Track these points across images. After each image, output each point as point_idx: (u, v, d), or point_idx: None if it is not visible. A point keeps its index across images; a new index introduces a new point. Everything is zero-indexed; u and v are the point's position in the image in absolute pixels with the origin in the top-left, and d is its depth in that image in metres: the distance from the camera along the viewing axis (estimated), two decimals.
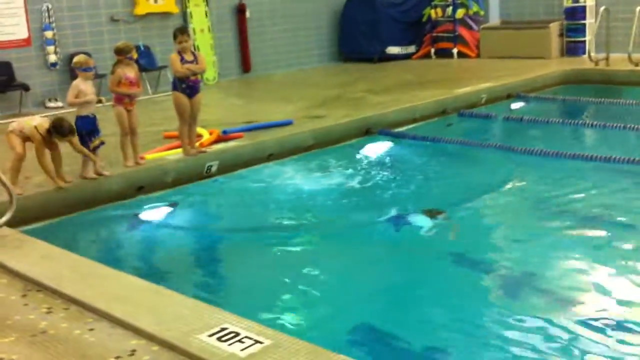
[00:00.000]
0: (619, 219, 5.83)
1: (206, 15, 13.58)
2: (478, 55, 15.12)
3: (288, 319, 4.44)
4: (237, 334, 3.45)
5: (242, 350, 3.31)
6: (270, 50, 14.78)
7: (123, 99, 6.93)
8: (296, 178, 7.50)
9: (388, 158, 8.29)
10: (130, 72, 6.94)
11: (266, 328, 3.57)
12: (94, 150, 6.65)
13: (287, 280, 5.05)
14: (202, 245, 5.92)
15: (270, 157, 8.02)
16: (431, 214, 6.04)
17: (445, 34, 15.45)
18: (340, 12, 15.86)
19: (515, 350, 3.88)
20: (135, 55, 7.00)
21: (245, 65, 14.35)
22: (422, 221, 6.02)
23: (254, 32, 14.37)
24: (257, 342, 3.37)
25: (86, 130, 6.56)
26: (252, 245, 5.80)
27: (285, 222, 6.27)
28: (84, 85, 6.55)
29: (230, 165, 7.64)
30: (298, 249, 5.65)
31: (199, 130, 8.07)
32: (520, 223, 5.97)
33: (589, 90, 11.66)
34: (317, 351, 3.34)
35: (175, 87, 7.28)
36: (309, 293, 4.85)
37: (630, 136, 8.74)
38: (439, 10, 15.49)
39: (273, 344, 3.36)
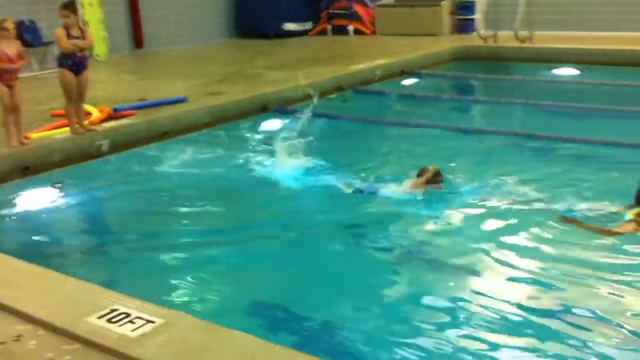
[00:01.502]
0: (507, 187, 6.02)
1: None
2: (373, 33, 15.32)
3: (183, 298, 4.38)
4: (128, 315, 3.38)
5: (133, 330, 3.23)
6: (164, 25, 14.42)
7: (3, 75, 6.59)
8: (191, 156, 7.37)
9: (285, 135, 8.26)
10: (9, 47, 6.59)
11: (159, 307, 3.50)
12: None
13: (181, 259, 4.97)
14: (92, 226, 5.73)
15: (164, 136, 7.85)
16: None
17: (342, 11, 15.55)
18: None
19: (412, 328, 3.93)
20: (10, 27, 6.60)
21: (137, 40, 13.94)
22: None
23: (146, 7, 13.95)
24: (148, 321, 3.30)
25: None
26: (145, 225, 5.65)
27: (180, 201, 6.15)
28: None
29: (122, 144, 7.43)
30: (192, 227, 5.55)
31: (89, 108, 7.80)
32: (417, 195, 6.05)
33: (478, 67, 12.06)
34: (211, 328, 3.32)
35: (61, 64, 7.04)
36: (204, 272, 4.79)
37: (517, 110, 9.11)
38: None
39: (165, 322, 3.31)
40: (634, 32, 12.71)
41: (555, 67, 11.23)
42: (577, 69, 11.09)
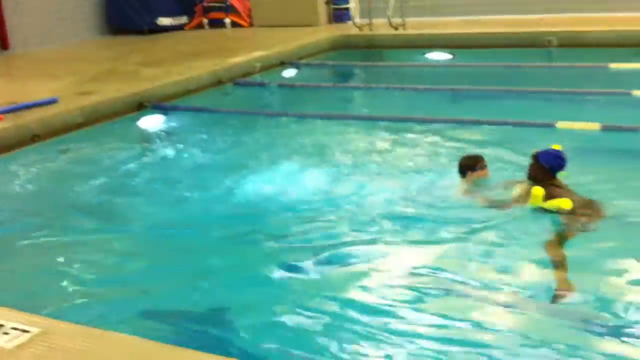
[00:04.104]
0: (389, 169, 6.20)
1: None
2: (251, 25, 15.25)
3: (63, 305, 4.19)
4: (2, 326, 3.20)
5: (8, 341, 3.07)
6: (32, 25, 13.72)
7: None
8: (66, 159, 7.09)
9: (164, 132, 8.08)
10: None
11: (37, 316, 3.35)
12: None
13: (63, 267, 4.73)
14: None
15: (35, 139, 7.49)
16: None
17: (217, 4, 15.36)
18: None
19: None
20: None
21: (3, 42, 13.21)
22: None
23: (10, 7, 13.24)
24: (24, 331, 3.15)
25: None
26: (21, 235, 5.34)
27: (57, 208, 5.88)
28: None
29: None
30: (73, 235, 5.29)
31: None
32: (303, 183, 6.01)
33: (355, 55, 12.28)
34: (93, 333, 3.20)
35: None
36: (89, 278, 4.57)
37: (395, 95, 9.33)
38: None
39: (43, 331, 3.16)
40: (502, 15, 13.31)
41: (428, 52, 11.58)
42: (449, 53, 11.49)
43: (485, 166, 5.50)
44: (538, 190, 4.75)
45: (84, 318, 3.86)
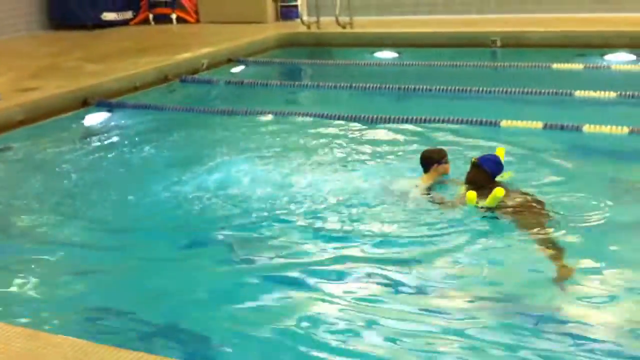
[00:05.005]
0: (338, 166, 6.22)
1: None
2: (197, 21, 15.11)
3: (5, 308, 4.08)
4: None
5: None
6: None
7: None
8: (6, 158, 6.90)
9: (109, 130, 7.94)
10: None
11: None
12: None
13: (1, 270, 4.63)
14: None
15: None
16: None
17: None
18: None
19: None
20: None
21: None
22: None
23: None
24: None
25: None
26: None
27: None
28: None
29: None
30: (12, 237, 5.16)
31: None
32: (252, 181, 5.96)
33: (303, 53, 12.26)
34: (33, 334, 3.17)
35: None
36: (26, 281, 4.44)
37: (343, 93, 9.35)
38: None
39: None
40: (448, 15, 13.47)
41: (375, 51, 11.65)
42: (396, 51, 11.57)
43: (448, 160, 5.50)
44: (472, 194, 4.91)
45: (22, 320, 3.79)
